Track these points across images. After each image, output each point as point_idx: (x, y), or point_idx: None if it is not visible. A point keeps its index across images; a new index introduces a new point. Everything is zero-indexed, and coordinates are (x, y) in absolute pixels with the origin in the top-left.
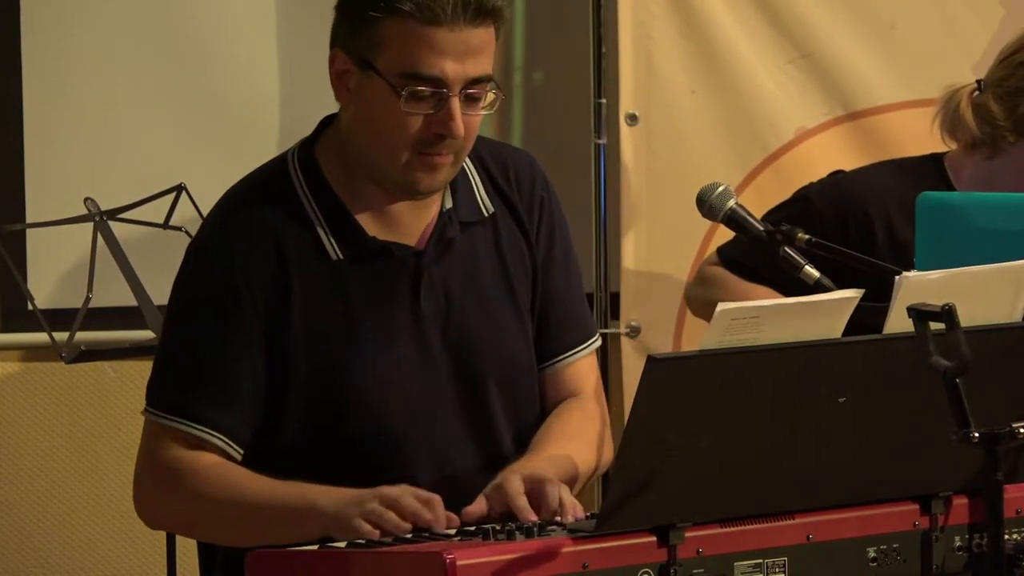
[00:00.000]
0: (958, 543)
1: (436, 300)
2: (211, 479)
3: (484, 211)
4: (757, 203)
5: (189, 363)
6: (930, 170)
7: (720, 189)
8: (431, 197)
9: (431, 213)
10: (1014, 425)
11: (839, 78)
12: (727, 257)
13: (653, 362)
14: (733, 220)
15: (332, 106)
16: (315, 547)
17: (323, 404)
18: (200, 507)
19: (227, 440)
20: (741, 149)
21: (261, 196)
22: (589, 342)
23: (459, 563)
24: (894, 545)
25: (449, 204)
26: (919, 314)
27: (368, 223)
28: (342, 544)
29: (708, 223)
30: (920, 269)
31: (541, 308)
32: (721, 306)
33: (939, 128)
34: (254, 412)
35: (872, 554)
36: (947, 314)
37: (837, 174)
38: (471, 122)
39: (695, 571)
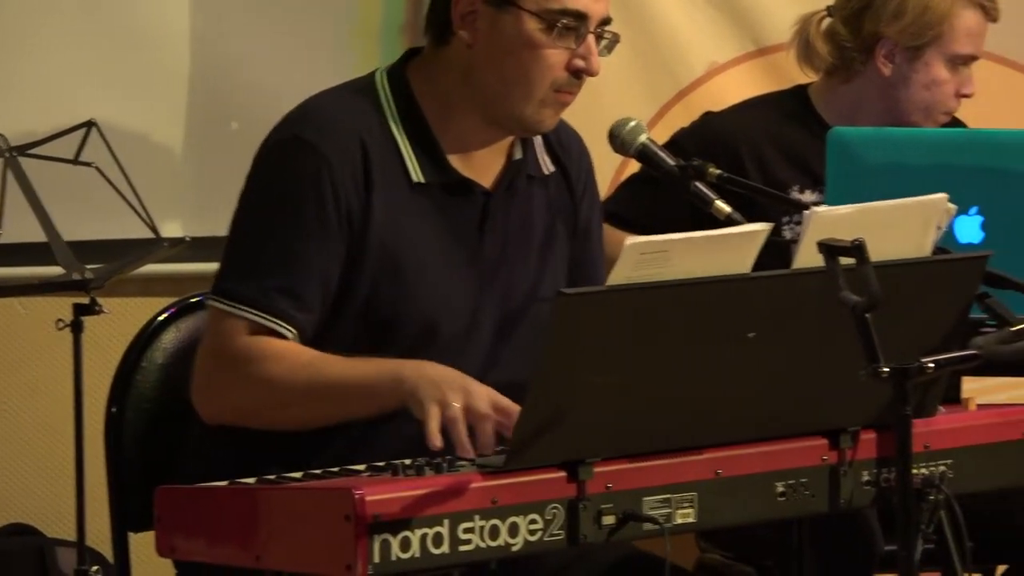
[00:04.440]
0: (866, 478)
1: (495, 242)
2: (285, 360)
3: (545, 169)
4: (667, 138)
5: (269, 255)
6: (795, 102)
7: (631, 124)
8: (504, 143)
9: (504, 159)
10: (923, 360)
11: (750, 13)
12: (606, 211)
13: (563, 298)
14: (644, 155)
15: (245, 42)
16: (224, 483)
17: (376, 319)
18: (270, 392)
19: (296, 333)
20: (652, 84)
21: (351, 107)
22: None
23: (368, 499)
24: (802, 480)
25: (519, 155)
26: (829, 249)
27: (450, 155)
28: (251, 480)
29: (619, 158)
30: (830, 204)
31: (573, 274)
32: (629, 240)
33: (796, 59)
34: (320, 314)
35: (780, 488)
36: (857, 249)
37: (706, 116)
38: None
39: (604, 506)
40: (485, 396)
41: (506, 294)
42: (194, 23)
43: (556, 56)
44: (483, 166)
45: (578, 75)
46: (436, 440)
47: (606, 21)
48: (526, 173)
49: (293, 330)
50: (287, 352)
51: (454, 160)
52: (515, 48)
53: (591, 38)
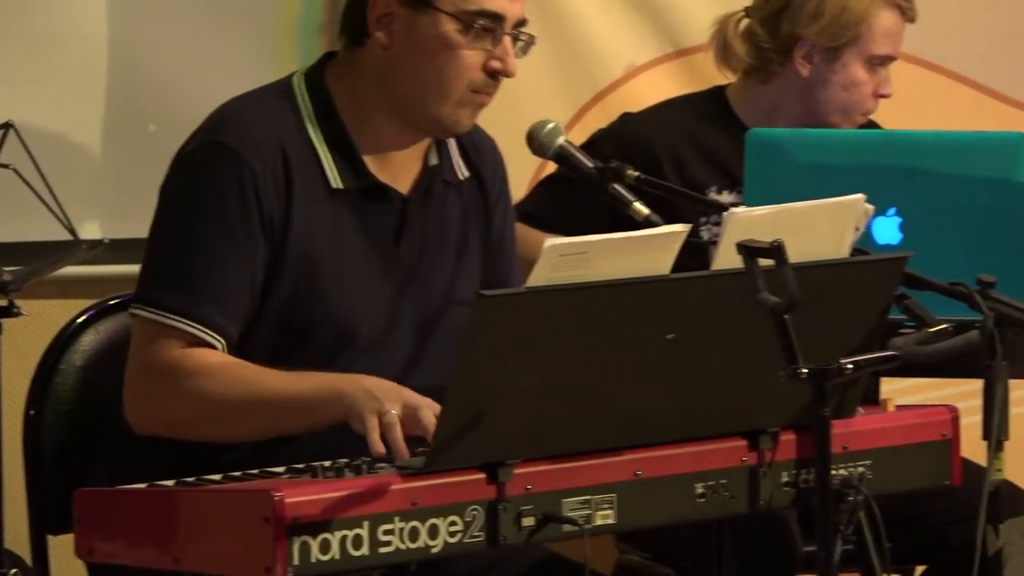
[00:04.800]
0: (785, 478)
1: (412, 248)
2: (220, 375)
3: (460, 175)
4: (585, 139)
5: (195, 264)
6: (713, 103)
7: (550, 126)
8: (420, 149)
9: (420, 164)
10: (842, 361)
11: (668, 15)
12: (523, 212)
13: (482, 299)
14: (562, 157)
15: (163, 43)
16: (143, 485)
17: (295, 324)
18: (206, 407)
19: (224, 343)
20: (570, 86)
21: (270, 112)
22: None
23: (287, 501)
24: (722, 481)
25: (435, 161)
26: (748, 250)
27: (368, 160)
28: (170, 482)
29: (538, 159)
30: (749, 205)
31: (489, 283)
32: (549, 242)
33: (714, 60)
34: (244, 320)
35: (700, 490)
36: (776, 250)
37: (624, 117)
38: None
39: (523, 508)
40: (421, 400)
41: (423, 299)
42: (112, 24)
43: (473, 57)
44: (400, 171)
45: (494, 76)
46: (379, 447)
47: (522, 22)
48: (442, 178)
49: (222, 340)
50: (222, 366)
51: (371, 165)
52: (432, 49)
53: (507, 39)
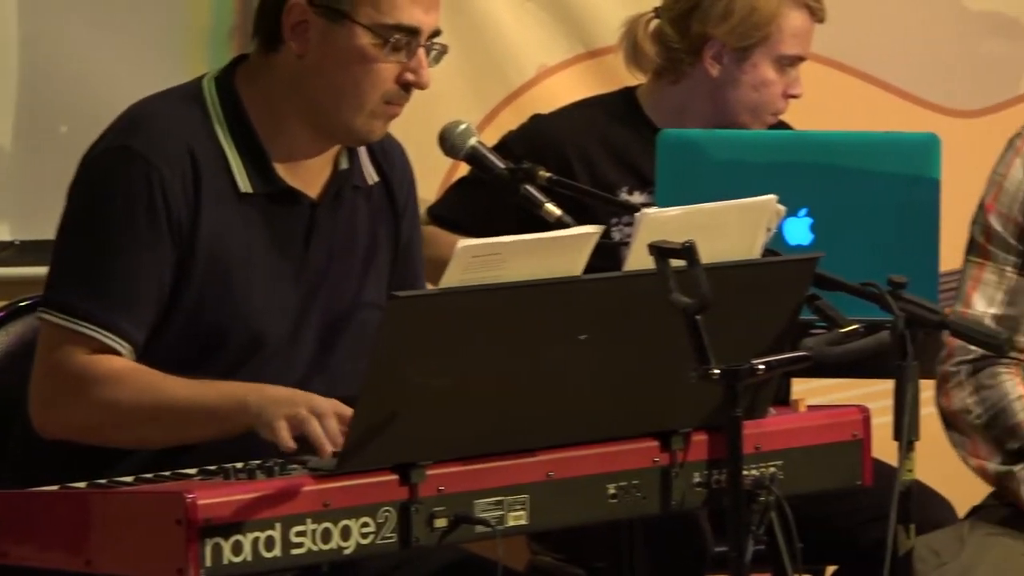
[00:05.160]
0: (697, 479)
1: (321, 252)
2: (128, 383)
3: (369, 179)
4: (496, 141)
5: (104, 269)
6: (623, 104)
7: (462, 127)
8: (330, 154)
9: (330, 169)
10: (754, 361)
11: (580, 16)
12: (435, 214)
13: (395, 300)
14: (474, 158)
15: (74, 44)
16: (55, 487)
17: (203, 329)
18: (113, 415)
19: (131, 349)
20: (482, 87)
21: (179, 115)
22: None
23: (200, 503)
24: (634, 482)
25: (345, 165)
26: (660, 251)
27: (277, 165)
28: (82, 484)
29: (449, 160)
30: (661, 206)
31: (396, 288)
32: (462, 243)
33: (624, 60)
34: (151, 325)
35: (612, 490)
36: (687, 251)
37: (535, 118)
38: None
39: (436, 509)
40: (329, 404)
41: (330, 303)
42: (23, 24)
43: (388, 70)
44: (310, 176)
45: (408, 88)
46: (291, 444)
47: (436, 33)
48: (352, 183)
49: (128, 345)
50: (130, 374)
51: (281, 169)
52: (347, 61)
53: (421, 51)
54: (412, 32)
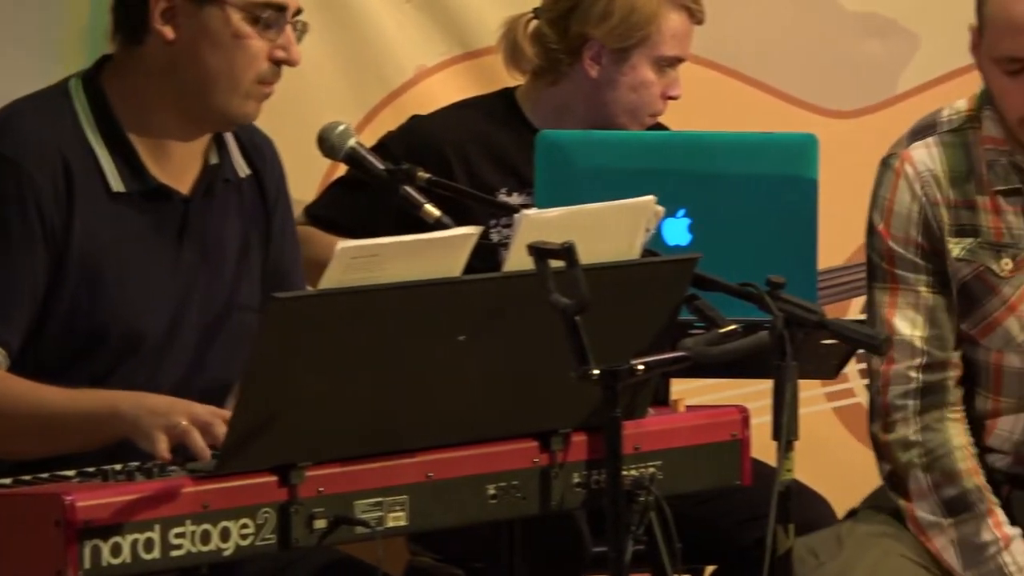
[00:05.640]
0: (576, 479)
1: (195, 248)
2: (2, 393)
3: (240, 172)
4: (375, 142)
5: None
6: (502, 105)
7: (340, 128)
8: (200, 148)
9: (200, 164)
10: (633, 362)
11: (458, 17)
12: (313, 214)
13: (274, 301)
14: (353, 159)
15: None
16: None
17: (80, 330)
18: None
19: (5, 354)
20: (361, 88)
21: (49, 119)
22: None
23: (78, 504)
24: (513, 482)
25: (215, 160)
26: (539, 252)
27: (147, 162)
28: None
29: (328, 161)
30: (540, 207)
31: (271, 283)
32: (341, 244)
33: (504, 61)
34: (26, 331)
35: (492, 491)
36: (566, 252)
37: (414, 119)
38: None
39: (315, 510)
40: (207, 410)
41: (207, 300)
42: None
43: (260, 48)
44: (180, 172)
45: (279, 65)
46: (168, 457)
47: (299, 11)
48: (222, 177)
49: (3, 351)
50: (4, 384)
51: (152, 167)
52: (220, 42)
53: (289, 28)
54: (280, 8)
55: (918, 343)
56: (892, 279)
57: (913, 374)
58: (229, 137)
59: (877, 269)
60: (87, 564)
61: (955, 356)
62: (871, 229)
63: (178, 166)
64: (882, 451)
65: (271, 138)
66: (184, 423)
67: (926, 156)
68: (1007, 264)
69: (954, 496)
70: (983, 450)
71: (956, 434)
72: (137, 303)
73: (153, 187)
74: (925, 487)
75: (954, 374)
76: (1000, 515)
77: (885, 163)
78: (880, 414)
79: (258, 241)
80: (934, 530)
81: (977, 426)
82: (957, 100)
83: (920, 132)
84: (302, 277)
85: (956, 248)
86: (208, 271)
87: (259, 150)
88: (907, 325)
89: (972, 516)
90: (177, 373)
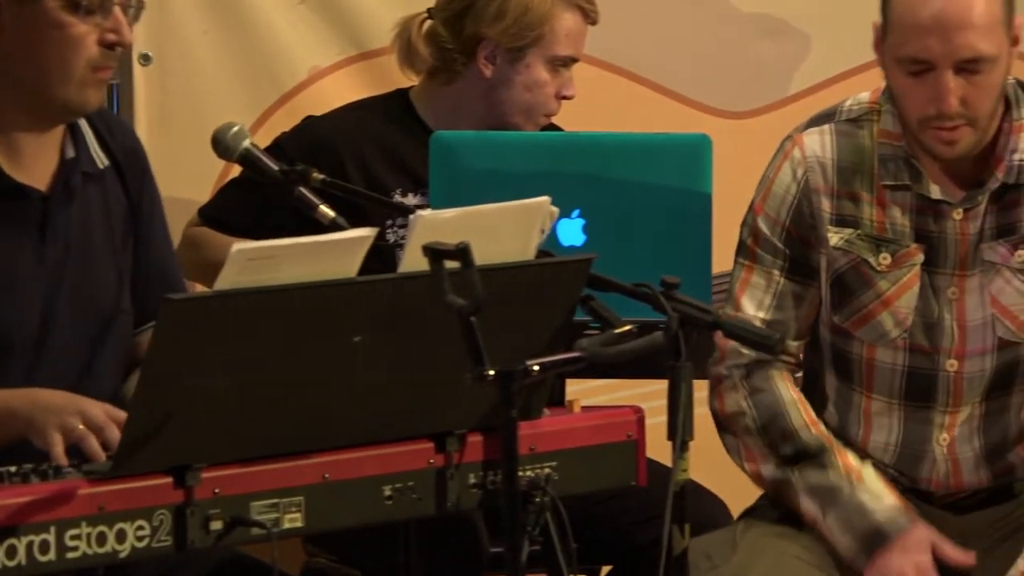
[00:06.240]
0: (472, 480)
1: (59, 245)
2: None
3: (99, 164)
4: (270, 143)
5: None
6: (397, 105)
7: (235, 129)
8: (55, 143)
9: (56, 159)
10: (528, 363)
11: (352, 18)
12: (207, 215)
13: (169, 303)
14: (247, 160)
15: None
16: None
17: None
18: None
19: None
20: (255, 89)
21: None
22: None
23: None
24: (409, 483)
25: (72, 154)
26: (434, 253)
27: (1, 162)
28: None
29: (223, 162)
30: (435, 208)
31: (144, 276)
32: (236, 246)
33: (397, 62)
34: None
35: (388, 492)
36: (462, 252)
37: (308, 120)
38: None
39: (211, 511)
40: (100, 409)
41: (77, 299)
42: None
43: (86, 35)
44: (36, 169)
45: (112, 48)
46: (63, 460)
47: None
48: (80, 171)
49: None
50: None
51: (6, 166)
52: (44, 35)
53: (118, 10)
54: None
55: (757, 324)
56: (751, 256)
57: (745, 350)
58: (86, 129)
59: (743, 244)
60: None
61: (793, 345)
62: (750, 205)
63: (33, 163)
64: (720, 423)
65: (131, 127)
66: (80, 427)
67: (817, 143)
68: (885, 259)
69: (793, 453)
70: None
71: (785, 390)
72: (2, 304)
73: (10, 186)
74: (766, 449)
75: (787, 359)
76: (847, 454)
77: (782, 144)
78: (713, 386)
79: (125, 235)
80: (784, 486)
81: (849, 434)
82: (861, 92)
83: (819, 119)
84: (179, 273)
85: (835, 237)
86: (75, 270)
87: (117, 138)
88: (752, 305)
89: (815, 463)
90: (57, 374)
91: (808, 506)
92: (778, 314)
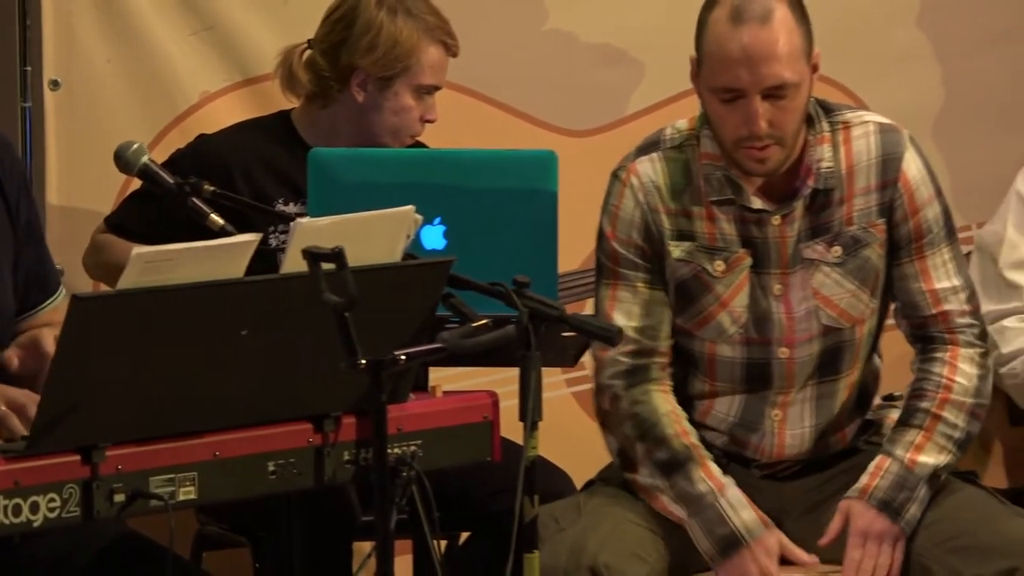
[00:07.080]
0: (347, 457)
1: None
2: None
3: None
4: (166, 158)
5: None
6: (279, 125)
7: (135, 147)
8: None
9: None
10: (396, 353)
11: (237, 48)
12: (111, 223)
13: (77, 301)
14: (146, 174)
15: None
16: None
17: None
18: None
19: None
20: (152, 111)
21: None
22: (56, 296)
23: None
24: (291, 460)
25: None
26: (312, 255)
27: None
28: None
29: (124, 176)
30: (313, 216)
31: (28, 276)
32: (136, 250)
33: (280, 86)
34: None
35: (272, 468)
36: (337, 255)
37: (200, 137)
38: None
39: (115, 485)
40: (21, 393)
41: None
42: None
43: None
44: None
45: None
46: None
47: None
48: None
49: None
50: None
51: None
52: None
53: None
54: None
55: (631, 332)
56: (615, 276)
57: (623, 359)
58: None
59: (604, 268)
60: None
61: (664, 345)
62: (601, 233)
63: None
64: (606, 428)
65: (10, 140)
66: (2, 407)
67: (650, 169)
68: (720, 265)
69: (666, 459)
70: (699, 427)
71: (661, 403)
72: None
73: None
74: (642, 455)
75: (660, 360)
76: (712, 467)
77: (615, 175)
78: (597, 395)
79: (5, 244)
80: (656, 491)
81: (694, 406)
82: (678, 120)
83: (646, 148)
84: (57, 276)
85: (676, 250)
86: None
87: None
88: (623, 316)
89: (684, 473)
90: None
91: (676, 510)
92: (648, 320)
